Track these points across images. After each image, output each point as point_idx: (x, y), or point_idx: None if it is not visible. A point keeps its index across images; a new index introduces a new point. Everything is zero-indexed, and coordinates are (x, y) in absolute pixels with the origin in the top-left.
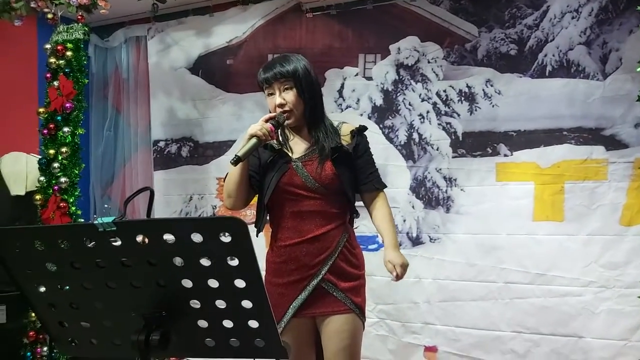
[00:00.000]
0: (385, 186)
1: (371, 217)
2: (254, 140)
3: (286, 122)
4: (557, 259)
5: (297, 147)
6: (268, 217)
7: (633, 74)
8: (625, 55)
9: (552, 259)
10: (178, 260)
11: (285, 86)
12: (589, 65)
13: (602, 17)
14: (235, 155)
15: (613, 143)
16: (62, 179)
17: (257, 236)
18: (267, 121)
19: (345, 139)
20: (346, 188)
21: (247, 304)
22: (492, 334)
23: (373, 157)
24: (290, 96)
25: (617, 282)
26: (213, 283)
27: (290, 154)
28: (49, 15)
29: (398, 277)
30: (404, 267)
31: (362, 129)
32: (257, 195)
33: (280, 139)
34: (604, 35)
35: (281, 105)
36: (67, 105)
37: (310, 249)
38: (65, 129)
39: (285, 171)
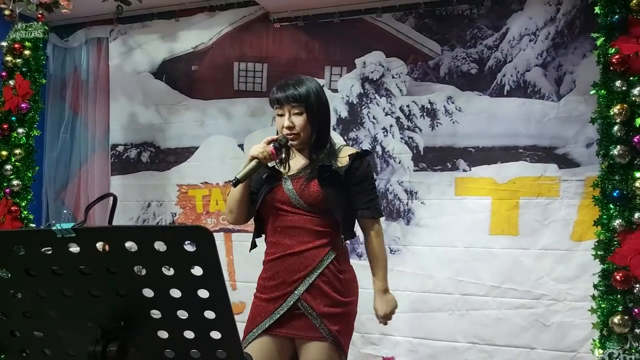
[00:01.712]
0: (382, 215)
1: (365, 246)
2: (254, 162)
3: (290, 143)
4: (511, 272)
5: (295, 164)
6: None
7: (586, 96)
8: (579, 78)
9: (506, 271)
10: (139, 269)
11: (296, 111)
12: (545, 87)
13: (558, 41)
14: (235, 177)
15: (565, 162)
16: (15, 182)
17: (249, 251)
18: (269, 143)
19: (342, 161)
20: (332, 208)
21: (210, 314)
22: (448, 345)
23: (375, 184)
24: (299, 121)
25: (568, 295)
26: (175, 293)
27: (284, 171)
28: (7, 12)
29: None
30: (386, 317)
31: (363, 153)
32: None
33: (283, 156)
34: (560, 59)
35: (289, 128)
36: (23, 105)
37: (289, 264)
38: (20, 130)
39: (274, 187)
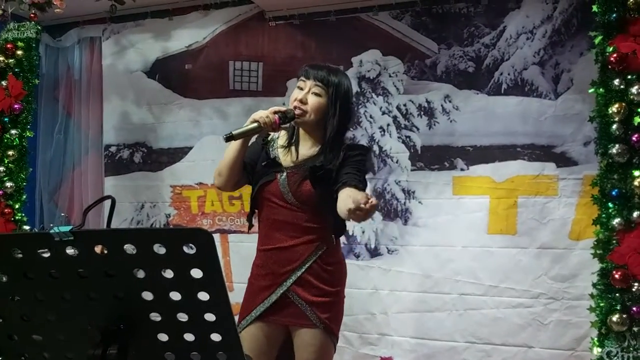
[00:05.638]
0: (361, 186)
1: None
2: (254, 125)
3: (295, 120)
4: (509, 271)
5: (301, 150)
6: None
7: (583, 95)
8: (576, 76)
9: (504, 271)
10: (139, 272)
11: (316, 91)
12: (542, 85)
13: (555, 39)
14: (230, 132)
15: (563, 160)
16: (8, 184)
17: (248, 231)
18: (275, 113)
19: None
20: (324, 207)
21: (210, 317)
22: (446, 345)
23: (361, 165)
24: (314, 101)
25: (566, 294)
26: (175, 296)
27: (283, 162)
28: None
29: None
30: (360, 209)
31: (357, 146)
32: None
33: (293, 139)
34: (557, 57)
35: (300, 102)
36: (16, 106)
37: (278, 257)
38: (13, 131)
39: (270, 179)
